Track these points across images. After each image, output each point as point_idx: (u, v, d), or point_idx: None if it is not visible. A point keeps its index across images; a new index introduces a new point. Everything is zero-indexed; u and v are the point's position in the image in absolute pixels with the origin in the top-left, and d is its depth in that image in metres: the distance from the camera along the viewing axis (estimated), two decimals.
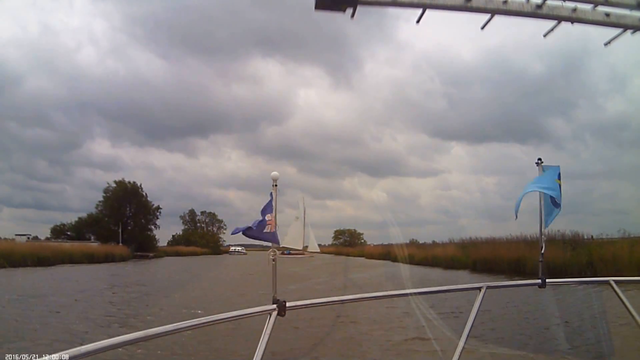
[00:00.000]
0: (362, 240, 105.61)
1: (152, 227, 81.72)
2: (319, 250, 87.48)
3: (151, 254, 69.85)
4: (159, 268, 45.06)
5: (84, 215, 76.82)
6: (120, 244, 66.90)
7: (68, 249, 49.65)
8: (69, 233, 74.73)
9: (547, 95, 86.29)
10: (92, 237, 71.13)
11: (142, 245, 71.46)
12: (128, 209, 78.17)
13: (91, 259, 48.61)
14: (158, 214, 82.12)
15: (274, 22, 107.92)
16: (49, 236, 72.64)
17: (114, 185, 77.13)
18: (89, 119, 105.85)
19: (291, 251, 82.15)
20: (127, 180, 79.31)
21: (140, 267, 46.29)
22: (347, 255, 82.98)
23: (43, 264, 39.89)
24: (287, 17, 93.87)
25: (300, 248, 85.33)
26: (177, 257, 72.36)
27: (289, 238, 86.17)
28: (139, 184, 79.63)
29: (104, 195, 76.12)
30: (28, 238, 62.13)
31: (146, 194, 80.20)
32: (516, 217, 3.83)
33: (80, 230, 74.32)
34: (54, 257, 43.22)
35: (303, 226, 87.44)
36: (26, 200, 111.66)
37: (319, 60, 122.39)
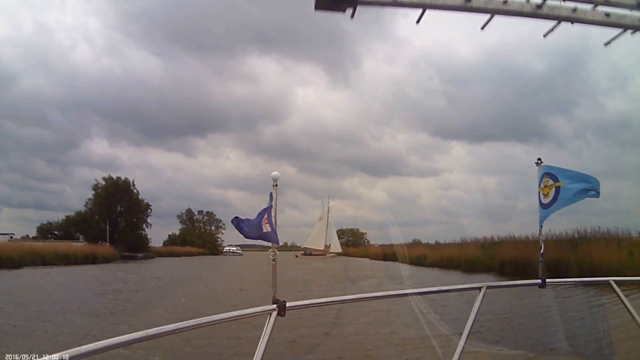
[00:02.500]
0: (366, 240, 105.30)
1: (144, 225, 77.81)
2: (340, 250, 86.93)
3: (140, 255, 66.11)
4: (136, 272, 37.37)
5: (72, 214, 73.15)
6: (109, 243, 63.82)
7: (41, 249, 44.73)
8: (56, 232, 71.16)
9: (547, 93, 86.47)
10: (82, 237, 67.79)
11: (132, 245, 68.26)
12: (118, 206, 74.44)
13: (67, 260, 44.01)
14: (149, 211, 78.48)
15: (271, 18, 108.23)
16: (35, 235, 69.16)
17: (103, 182, 73.60)
18: (86, 118, 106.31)
19: (312, 251, 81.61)
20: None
21: (116, 270, 39.72)
22: (350, 255, 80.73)
23: (6, 265, 35.11)
24: (284, 13, 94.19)
25: (322, 248, 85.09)
26: (169, 258, 69.15)
27: (311, 238, 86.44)
28: (131, 180, 76.15)
29: (94, 192, 72.84)
30: (11, 237, 59.42)
31: (138, 191, 76.68)
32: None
33: (68, 229, 70.59)
34: (20, 259, 38.01)
35: (326, 227, 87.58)
36: (26, 200, 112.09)
37: (316, 58, 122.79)
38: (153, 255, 70.72)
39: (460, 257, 36.51)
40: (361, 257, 71.84)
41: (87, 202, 73.35)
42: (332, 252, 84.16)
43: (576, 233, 27.62)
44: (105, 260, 51.56)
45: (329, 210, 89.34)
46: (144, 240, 76.10)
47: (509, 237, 34.38)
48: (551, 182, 3.85)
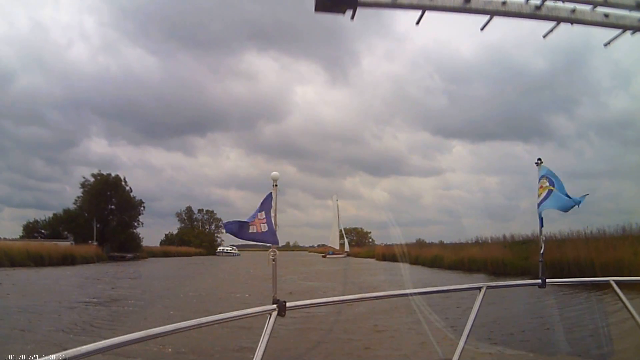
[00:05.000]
0: (371, 240, 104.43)
1: (136, 224, 72.92)
2: (349, 250, 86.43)
3: (130, 255, 61.86)
4: (106, 279, 29.45)
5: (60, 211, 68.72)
6: (97, 242, 60.54)
7: (10, 248, 40.46)
8: (43, 231, 66.76)
9: (549, 92, 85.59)
10: (71, 236, 63.31)
11: (123, 245, 64.71)
12: (109, 204, 70.36)
13: (40, 261, 40.27)
14: (142, 208, 74.16)
15: (268, 14, 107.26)
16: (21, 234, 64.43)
17: (92, 179, 69.23)
18: (85, 117, 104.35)
19: (334, 252, 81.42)
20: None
21: (82, 274, 33.50)
22: (355, 256, 78.02)
23: None
24: (281, 9, 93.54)
25: (338, 248, 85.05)
26: (161, 259, 65.73)
27: (332, 238, 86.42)
28: (122, 177, 72.11)
29: (82, 189, 68.68)
30: None
31: (130, 188, 72.63)
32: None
33: (55, 227, 66.26)
34: None
35: (338, 225, 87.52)
36: (26, 200, 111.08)
37: (315, 55, 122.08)
38: (145, 256, 66.41)
39: (486, 259, 32.35)
40: (366, 257, 68.71)
41: (76, 200, 69.51)
42: (345, 252, 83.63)
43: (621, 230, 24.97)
44: (85, 261, 47.33)
45: (338, 209, 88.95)
46: (136, 239, 71.20)
47: (534, 236, 31.37)
48: (547, 184, 4.00)
